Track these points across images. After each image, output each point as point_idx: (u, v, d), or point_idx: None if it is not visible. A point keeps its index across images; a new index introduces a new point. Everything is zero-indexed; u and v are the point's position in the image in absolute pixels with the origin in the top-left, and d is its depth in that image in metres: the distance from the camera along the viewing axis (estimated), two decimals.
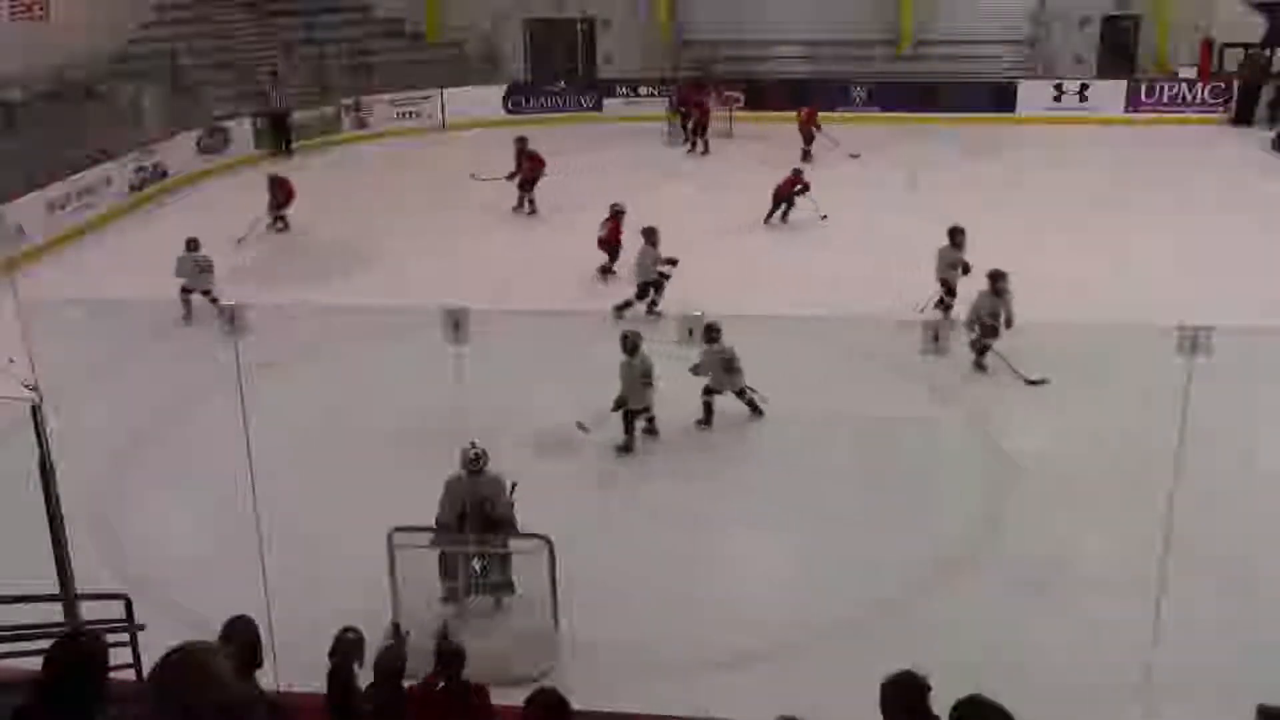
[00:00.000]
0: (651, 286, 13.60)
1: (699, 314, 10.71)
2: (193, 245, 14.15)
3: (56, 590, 6.33)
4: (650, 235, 13.64)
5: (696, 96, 22.98)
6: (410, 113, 24.65)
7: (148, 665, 4.82)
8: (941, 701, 3.97)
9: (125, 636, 6.37)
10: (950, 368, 11.04)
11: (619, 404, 10.44)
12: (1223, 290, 12.84)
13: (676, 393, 10.72)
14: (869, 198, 18.20)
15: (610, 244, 15.01)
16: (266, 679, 5.15)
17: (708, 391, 10.95)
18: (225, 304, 14.41)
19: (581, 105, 25.95)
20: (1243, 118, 23.98)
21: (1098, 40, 25.93)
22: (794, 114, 21.73)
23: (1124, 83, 24.81)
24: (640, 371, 10.36)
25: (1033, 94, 24.73)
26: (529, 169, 18.08)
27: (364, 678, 5.99)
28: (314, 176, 21.12)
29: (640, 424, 10.64)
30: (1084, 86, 24.69)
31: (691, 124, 22.61)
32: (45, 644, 3.60)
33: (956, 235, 13.27)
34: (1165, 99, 24.63)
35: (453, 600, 8.05)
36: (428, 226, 17.47)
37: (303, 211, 17.89)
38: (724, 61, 25.99)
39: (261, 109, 22.51)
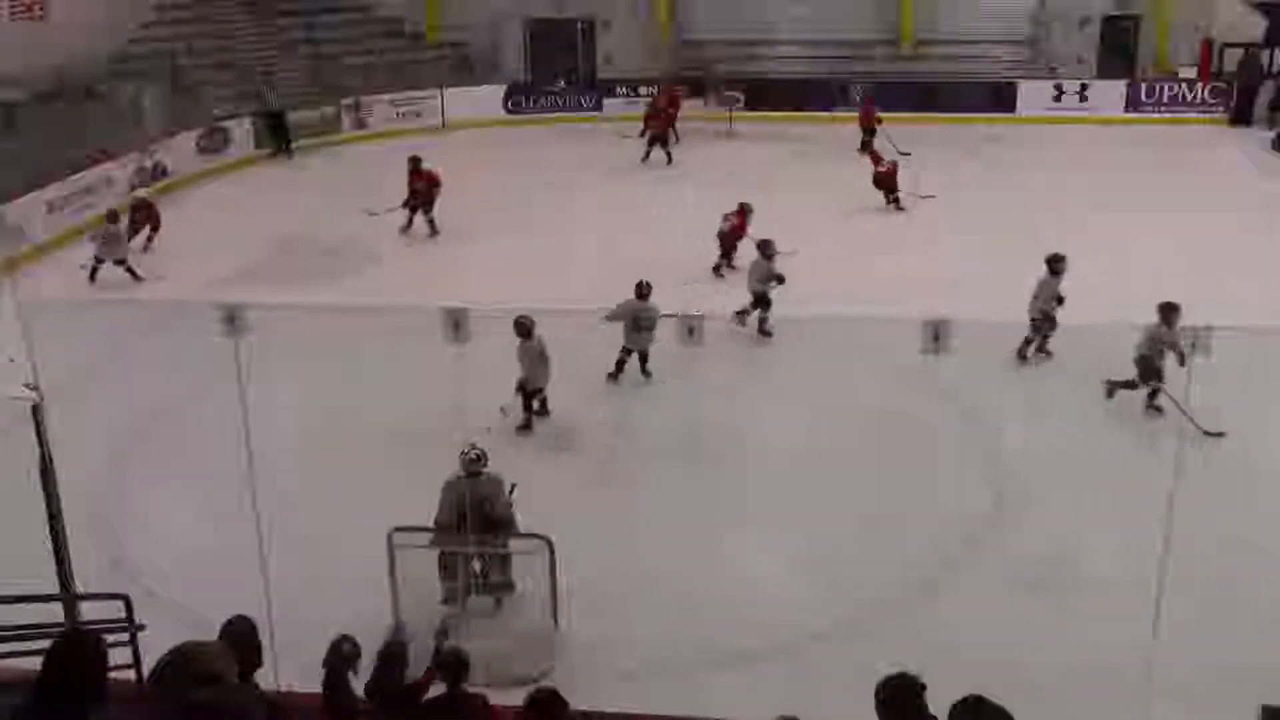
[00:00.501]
0: (761, 303, 12.93)
1: (699, 314, 10.67)
2: (112, 218, 15.66)
3: (56, 590, 6.34)
4: (765, 248, 12.99)
5: (663, 102, 22.47)
6: (410, 113, 24.63)
7: (148, 665, 4.82)
8: (941, 702, 3.97)
9: (125, 636, 6.35)
10: (950, 367, 10.99)
11: (520, 386, 10.77)
12: (1223, 290, 12.82)
13: (674, 398, 10.72)
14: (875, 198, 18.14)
15: (734, 239, 14.65)
16: (266, 679, 5.14)
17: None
18: (140, 275, 15.29)
19: (581, 105, 25.97)
20: (1242, 118, 23.99)
21: (1098, 40, 25.92)
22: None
23: (1124, 83, 24.84)
24: (537, 352, 10.65)
25: (1033, 94, 24.75)
26: (425, 189, 17.10)
27: (357, 686, 5.99)
28: (314, 176, 21.14)
29: (535, 404, 10.95)
30: (1084, 86, 24.72)
31: (649, 135, 21.59)
32: (45, 644, 3.60)
33: (1057, 263, 11.87)
34: (1165, 99, 24.65)
35: (453, 601, 8.04)
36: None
37: (303, 211, 17.85)
38: (724, 61, 25.98)
39: (257, 109, 22.51)
